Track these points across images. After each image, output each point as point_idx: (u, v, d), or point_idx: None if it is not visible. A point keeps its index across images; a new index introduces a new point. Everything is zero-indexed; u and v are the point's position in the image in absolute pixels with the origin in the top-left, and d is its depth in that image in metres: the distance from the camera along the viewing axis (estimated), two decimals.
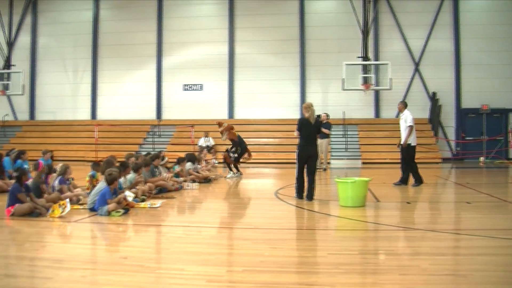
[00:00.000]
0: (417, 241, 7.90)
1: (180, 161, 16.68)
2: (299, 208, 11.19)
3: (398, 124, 16.06)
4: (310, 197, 12.16)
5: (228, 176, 19.08)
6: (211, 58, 33.95)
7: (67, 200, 10.26)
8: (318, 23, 32.85)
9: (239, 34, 33.98)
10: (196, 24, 34.33)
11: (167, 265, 6.52)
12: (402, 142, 15.60)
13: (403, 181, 15.66)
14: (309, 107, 12.67)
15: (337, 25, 32.47)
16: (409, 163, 15.66)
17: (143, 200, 11.82)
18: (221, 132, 19.58)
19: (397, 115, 16.38)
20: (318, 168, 21.75)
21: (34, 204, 10.03)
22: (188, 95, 34.19)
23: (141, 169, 13.15)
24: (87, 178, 13.26)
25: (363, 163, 27.41)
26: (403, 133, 15.64)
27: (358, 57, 29.24)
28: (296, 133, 12.52)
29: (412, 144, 15.61)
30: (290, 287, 5.52)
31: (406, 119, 15.51)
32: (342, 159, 28.25)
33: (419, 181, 15.60)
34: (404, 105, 16.04)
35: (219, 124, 19.93)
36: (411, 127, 15.41)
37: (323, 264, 6.36)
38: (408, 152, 15.61)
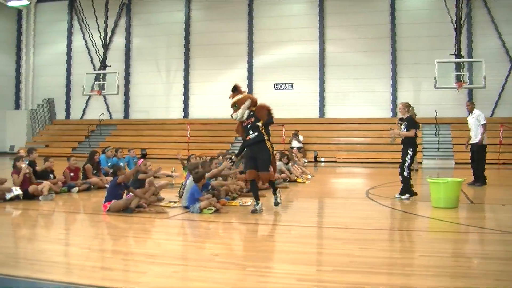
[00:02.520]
0: None
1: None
2: (390, 209, 11.10)
3: (491, 124, 15.78)
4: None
5: (258, 207, 10.49)
6: (302, 57, 33.98)
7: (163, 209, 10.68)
8: (409, 20, 32.32)
9: (329, 32, 33.85)
10: (287, 23, 34.44)
11: (257, 263, 6.53)
12: (477, 141, 15.48)
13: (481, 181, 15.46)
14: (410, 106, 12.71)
15: (429, 22, 31.83)
16: (479, 162, 15.55)
17: (234, 198, 11.97)
18: (237, 103, 10.63)
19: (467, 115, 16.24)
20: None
21: (138, 197, 10.45)
22: (278, 94, 34.27)
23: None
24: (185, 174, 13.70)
25: (456, 163, 26.76)
26: (475, 132, 15.57)
27: (451, 54, 28.64)
28: (413, 132, 12.35)
29: (484, 143, 15.54)
30: None
31: (479, 117, 15.48)
32: (434, 159, 27.72)
33: (483, 181, 15.42)
34: (473, 104, 16.13)
35: (238, 87, 10.88)
36: (484, 125, 15.38)
37: (414, 266, 6.29)
38: (480, 150, 15.51)
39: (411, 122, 12.35)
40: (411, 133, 12.25)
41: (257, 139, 10.38)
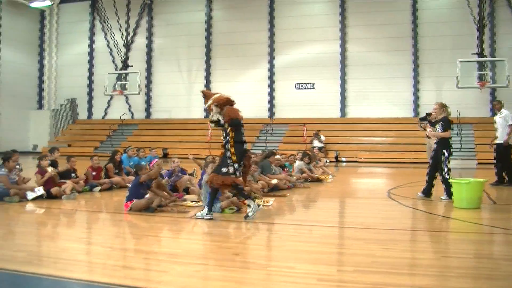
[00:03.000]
0: None
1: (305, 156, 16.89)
2: (412, 209, 11.04)
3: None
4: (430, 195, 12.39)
5: (199, 214, 9.69)
6: (323, 56, 33.93)
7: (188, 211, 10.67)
8: (431, 20, 32.16)
9: (350, 32, 33.77)
10: (308, 23, 34.43)
11: (278, 263, 6.55)
12: (503, 141, 15.27)
13: (501, 180, 15.35)
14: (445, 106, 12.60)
15: (451, 21, 31.64)
16: (505, 163, 15.35)
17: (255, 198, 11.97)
18: (209, 109, 10.25)
19: (493, 114, 16.08)
20: None
21: (161, 196, 10.60)
22: (300, 94, 34.30)
23: (255, 166, 13.32)
24: None
25: (478, 163, 26.54)
26: (501, 132, 15.38)
27: (473, 53, 28.44)
28: (449, 133, 12.26)
29: (510, 144, 15.34)
30: None
31: (507, 118, 15.23)
32: (456, 159, 27.48)
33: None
34: (502, 103, 15.83)
35: (205, 93, 10.66)
36: (511, 126, 15.14)
37: (436, 266, 6.23)
38: (505, 151, 15.31)
39: (447, 123, 12.26)
40: (447, 133, 12.16)
41: (224, 143, 9.69)
